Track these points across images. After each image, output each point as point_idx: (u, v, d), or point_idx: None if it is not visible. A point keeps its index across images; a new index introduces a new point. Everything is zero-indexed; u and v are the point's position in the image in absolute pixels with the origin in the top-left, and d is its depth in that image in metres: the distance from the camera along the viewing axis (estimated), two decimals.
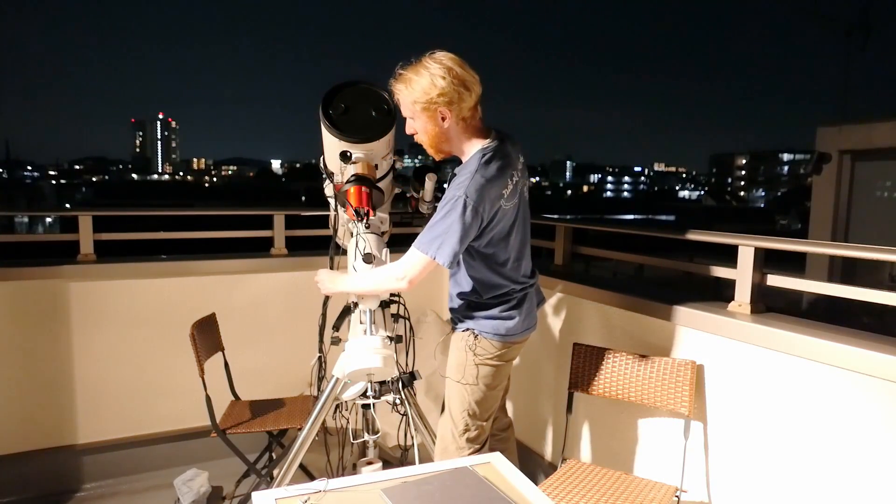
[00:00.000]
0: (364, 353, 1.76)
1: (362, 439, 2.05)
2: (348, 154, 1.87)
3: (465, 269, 2.02)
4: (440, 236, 1.82)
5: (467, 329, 2.04)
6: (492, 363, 2.04)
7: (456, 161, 2.19)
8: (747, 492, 2.05)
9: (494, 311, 2.03)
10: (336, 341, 2.01)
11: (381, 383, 1.97)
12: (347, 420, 2.18)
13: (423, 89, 1.82)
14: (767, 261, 2.16)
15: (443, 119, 1.87)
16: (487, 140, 1.93)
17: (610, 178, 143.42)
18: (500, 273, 2.01)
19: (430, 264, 1.85)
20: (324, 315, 2.24)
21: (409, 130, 1.95)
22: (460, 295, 2.06)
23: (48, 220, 23.37)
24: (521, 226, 2.04)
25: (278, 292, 3.27)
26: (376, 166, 1.96)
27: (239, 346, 2.85)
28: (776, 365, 1.95)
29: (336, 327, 2.06)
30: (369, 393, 1.94)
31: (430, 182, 2.11)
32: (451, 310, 2.14)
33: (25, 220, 27.60)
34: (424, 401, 3.08)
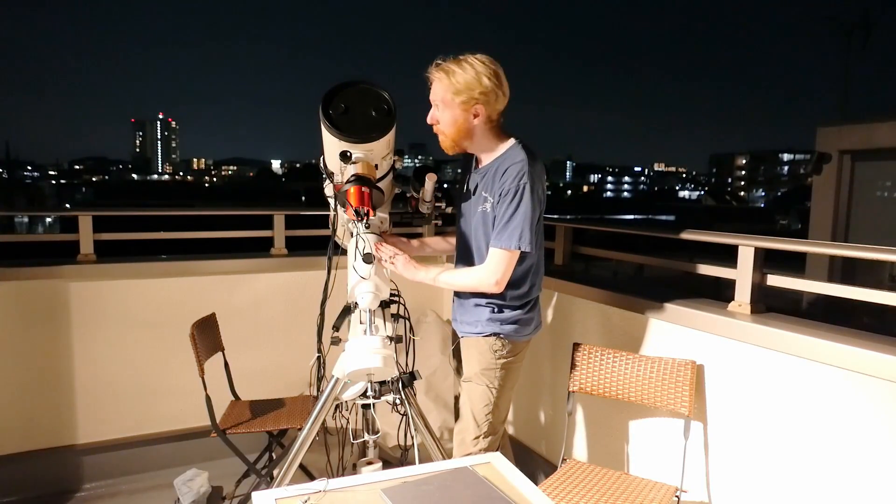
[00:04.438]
0: (364, 353, 1.76)
1: (362, 439, 2.05)
2: (348, 154, 1.87)
3: None
4: (518, 226, 1.92)
5: (492, 334, 2.08)
6: (514, 364, 2.13)
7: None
8: (747, 492, 2.05)
9: (518, 314, 2.09)
10: (336, 341, 2.01)
11: (381, 383, 1.96)
12: (347, 420, 2.17)
13: (467, 83, 1.91)
14: (767, 261, 2.16)
15: (475, 116, 1.96)
16: (513, 140, 2.03)
17: (610, 178, 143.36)
18: (529, 273, 2.08)
19: (515, 257, 1.97)
20: (322, 315, 2.24)
21: (431, 119, 2.02)
22: (483, 301, 2.09)
23: (48, 220, 23.34)
24: (541, 226, 2.11)
25: (278, 292, 3.27)
26: (376, 166, 1.95)
27: (239, 347, 2.85)
28: (776, 365, 1.95)
29: (336, 327, 2.05)
30: (369, 393, 1.94)
31: (430, 182, 2.11)
32: (465, 319, 2.15)
33: (25, 220, 27.57)
34: (424, 401, 3.08)
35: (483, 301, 2.08)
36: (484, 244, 2.05)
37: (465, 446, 2.12)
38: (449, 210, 2.27)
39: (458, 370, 2.28)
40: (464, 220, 2.14)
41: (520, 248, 1.94)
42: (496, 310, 2.07)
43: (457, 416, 2.38)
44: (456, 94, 1.93)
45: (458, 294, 2.18)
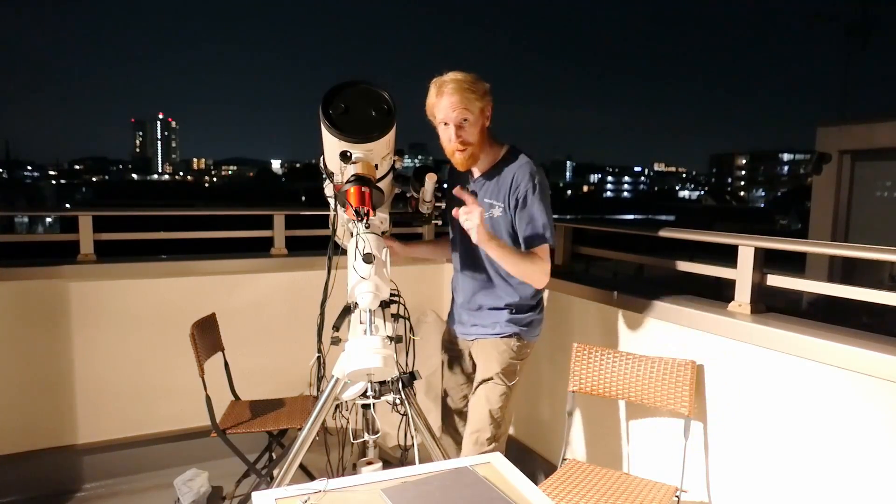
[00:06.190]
0: (364, 353, 1.75)
1: (362, 439, 2.05)
2: (348, 154, 1.87)
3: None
4: (550, 221, 2.03)
5: (512, 334, 2.14)
6: (525, 365, 2.21)
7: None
8: (747, 492, 2.05)
9: (531, 315, 2.17)
10: (336, 341, 2.01)
11: (381, 383, 1.96)
12: (347, 420, 2.17)
13: (484, 87, 2.00)
14: (767, 261, 2.16)
15: (488, 118, 2.04)
16: (506, 145, 2.10)
17: (610, 178, 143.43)
18: None
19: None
20: (322, 315, 2.24)
21: (461, 141, 2.02)
22: (501, 303, 2.14)
23: (48, 220, 23.31)
24: None
25: (278, 292, 3.27)
26: (376, 166, 1.95)
27: (239, 347, 2.85)
28: (776, 365, 1.95)
29: (336, 327, 2.05)
30: (369, 393, 1.94)
31: (430, 182, 2.11)
32: (481, 322, 2.18)
33: (25, 220, 27.54)
34: (424, 401, 3.08)
35: (501, 303, 2.14)
36: None
37: (479, 446, 2.14)
38: None
39: (471, 377, 2.29)
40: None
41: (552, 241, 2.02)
42: (513, 311, 2.14)
43: (444, 414, 2.41)
44: (486, 105, 2.00)
45: (469, 302, 2.21)
